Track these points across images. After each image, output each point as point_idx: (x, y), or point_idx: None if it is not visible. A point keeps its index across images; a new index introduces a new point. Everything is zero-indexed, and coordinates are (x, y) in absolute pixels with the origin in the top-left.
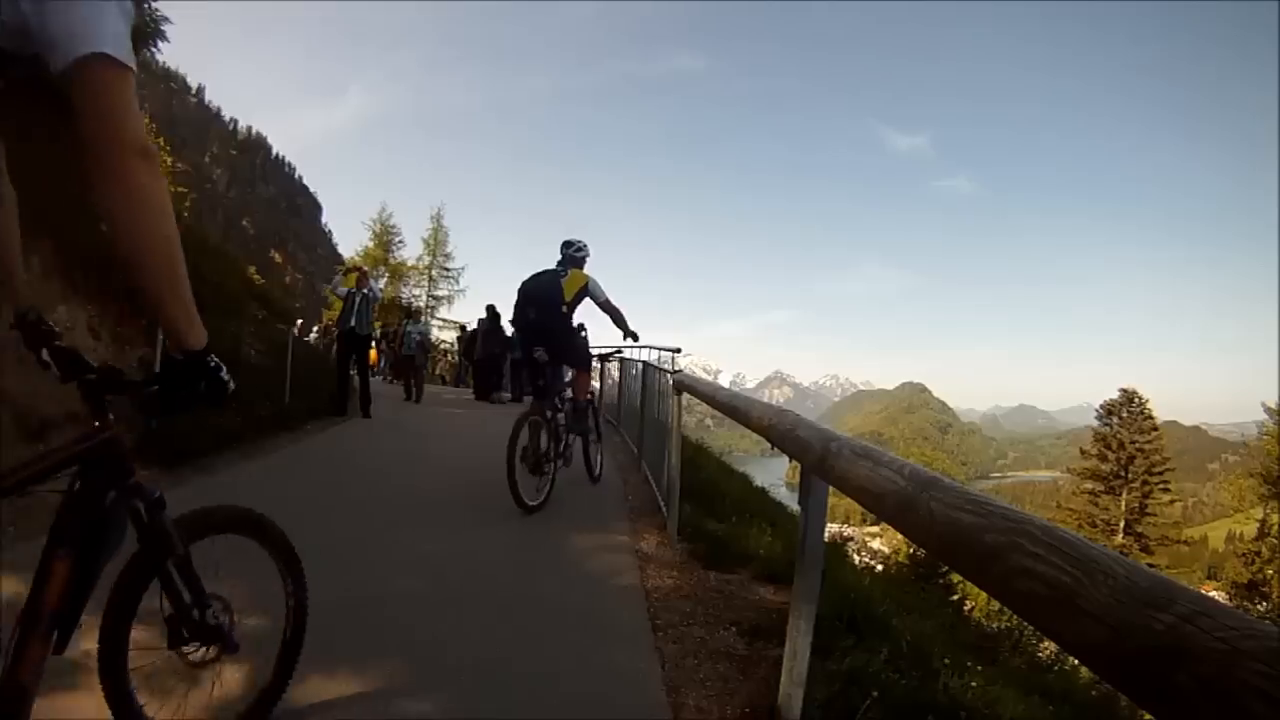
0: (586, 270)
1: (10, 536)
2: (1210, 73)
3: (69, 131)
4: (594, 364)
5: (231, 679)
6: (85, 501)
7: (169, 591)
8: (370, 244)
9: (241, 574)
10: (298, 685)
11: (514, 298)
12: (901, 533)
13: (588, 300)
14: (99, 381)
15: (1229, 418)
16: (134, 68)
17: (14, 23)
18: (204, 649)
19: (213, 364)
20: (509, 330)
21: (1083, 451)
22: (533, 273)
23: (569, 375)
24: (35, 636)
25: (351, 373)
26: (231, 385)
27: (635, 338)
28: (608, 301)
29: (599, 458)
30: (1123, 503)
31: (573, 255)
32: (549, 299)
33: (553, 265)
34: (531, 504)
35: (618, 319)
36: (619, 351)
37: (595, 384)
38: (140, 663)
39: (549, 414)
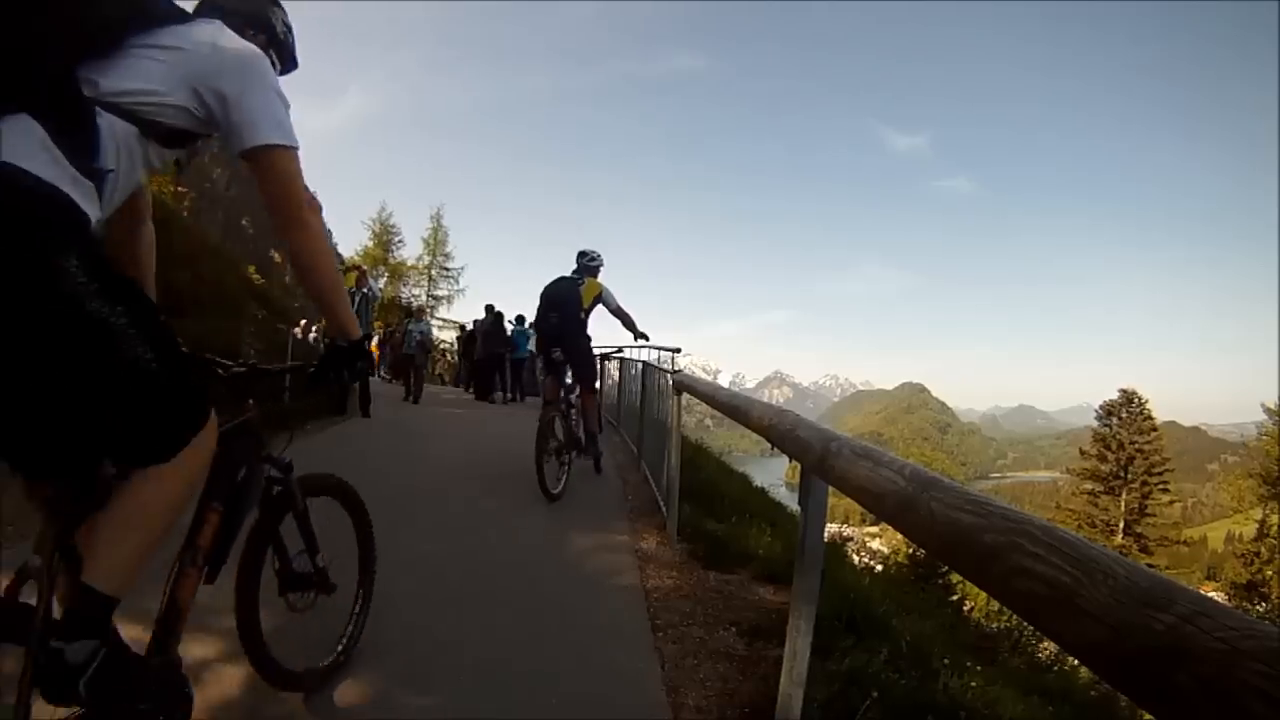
0: (600, 279)
1: (10, 535)
2: (1210, 73)
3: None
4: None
5: (322, 620)
6: (231, 466)
7: (278, 546)
8: (370, 243)
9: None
10: None
11: (514, 298)
12: (902, 533)
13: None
14: (247, 373)
15: (1228, 418)
16: (298, 145)
17: (203, 114)
18: (308, 593)
19: (366, 348)
20: (508, 331)
21: (1082, 452)
22: (553, 278)
23: (569, 376)
24: (192, 569)
25: None
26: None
27: (646, 338)
28: (619, 308)
29: (601, 451)
30: (1122, 503)
31: (587, 265)
32: (570, 305)
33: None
34: (554, 492)
35: (628, 323)
36: (620, 351)
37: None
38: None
39: (565, 409)
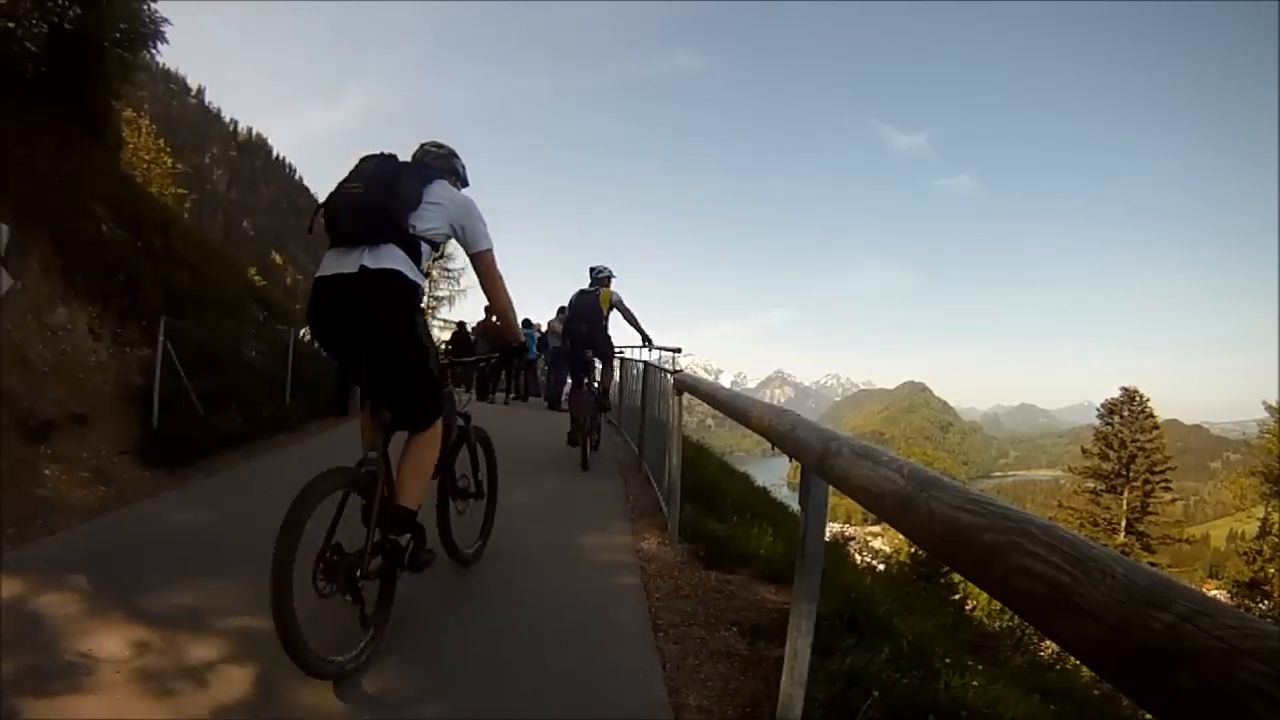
0: (611, 287)
1: (11, 537)
2: (1210, 73)
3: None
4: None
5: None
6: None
7: (450, 472)
8: None
9: None
10: (295, 686)
11: (516, 296)
12: (901, 532)
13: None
14: (447, 364)
15: (1230, 416)
16: (493, 245)
17: (453, 235)
18: (468, 500)
19: (526, 349)
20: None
21: (1084, 450)
22: (577, 291)
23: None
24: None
25: None
26: (530, 356)
27: (650, 342)
28: (627, 309)
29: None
30: (1124, 501)
31: (599, 277)
32: (593, 314)
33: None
34: (588, 459)
35: (635, 325)
36: (622, 352)
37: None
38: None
39: (592, 398)
